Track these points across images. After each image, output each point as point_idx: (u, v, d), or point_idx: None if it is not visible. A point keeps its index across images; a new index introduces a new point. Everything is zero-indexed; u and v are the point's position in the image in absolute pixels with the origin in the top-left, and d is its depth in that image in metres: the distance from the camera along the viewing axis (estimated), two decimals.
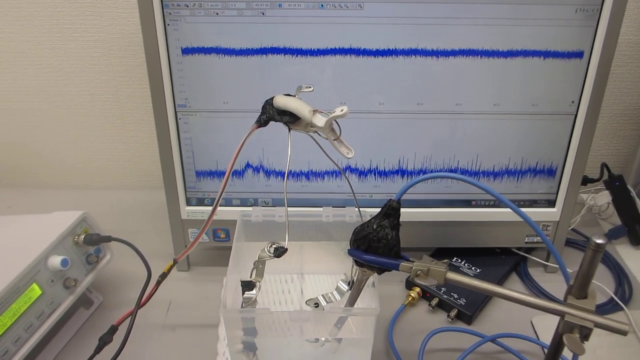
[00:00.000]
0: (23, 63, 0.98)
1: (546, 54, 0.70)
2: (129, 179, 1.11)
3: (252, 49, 0.70)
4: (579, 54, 0.70)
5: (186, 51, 0.70)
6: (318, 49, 0.70)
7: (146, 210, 1.00)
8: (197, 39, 0.69)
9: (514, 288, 0.69)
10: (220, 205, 0.60)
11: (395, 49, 0.70)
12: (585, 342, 0.46)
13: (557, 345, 0.51)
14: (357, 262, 0.57)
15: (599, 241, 0.45)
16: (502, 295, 0.50)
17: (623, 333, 0.45)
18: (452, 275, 0.51)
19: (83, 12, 0.93)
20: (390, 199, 0.54)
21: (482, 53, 0.70)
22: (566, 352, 0.50)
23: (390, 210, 0.53)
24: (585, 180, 0.87)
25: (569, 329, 0.47)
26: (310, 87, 0.57)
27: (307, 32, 0.69)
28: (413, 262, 0.53)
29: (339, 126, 0.55)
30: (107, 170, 1.10)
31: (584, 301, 0.48)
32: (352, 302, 0.61)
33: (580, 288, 0.48)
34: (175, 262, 0.67)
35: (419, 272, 0.52)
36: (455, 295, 0.76)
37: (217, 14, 0.68)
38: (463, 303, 0.75)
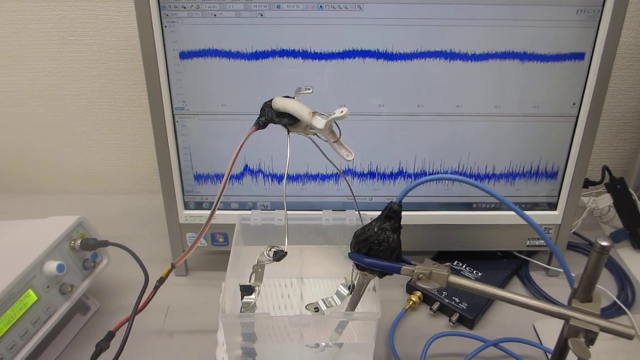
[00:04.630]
0: (19, 67, 0.97)
1: (547, 56, 0.70)
2: (126, 183, 1.11)
3: (251, 51, 0.69)
4: (580, 56, 0.70)
5: (184, 54, 0.69)
6: (317, 51, 0.69)
7: (144, 214, 0.99)
8: (195, 41, 0.69)
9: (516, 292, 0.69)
10: (218, 209, 0.60)
11: (395, 50, 0.69)
12: (590, 346, 0.46)
13: (561, 349, 0.51)
14: (357, 266, 0.56)
15: (604, 243, 0.44)
16: (508, 299, 0.49)
17: (629, 337, 0.45)
18: (455, 279, 0.51)
19: (79, 16, 0.92)
20: (392, 201, 0.53)
21: (482, 54, 0.70)
22: (570, 357, 0.50)
23: (392, 213, 0.53)
24: (587, 183, 0.86)
25: (574, 333, 0.46)
26: (309, 89, 0.56)
27: (306, 34, 0.68)
28: (415, 265, 0.52)
29: (338, 128, 0.54)
30: (104, 174, 1.09)
31: (588, 305, 0.47)
32: (352, 306, 0.61)
33: (585, 291, 0.47)
34: (173, 266, 0.66)
35: (421, 275, 0.51)
36: (457, 300, 0.75)
37: (214, 15, 0.67)
38: (465, 307, 0.74)
